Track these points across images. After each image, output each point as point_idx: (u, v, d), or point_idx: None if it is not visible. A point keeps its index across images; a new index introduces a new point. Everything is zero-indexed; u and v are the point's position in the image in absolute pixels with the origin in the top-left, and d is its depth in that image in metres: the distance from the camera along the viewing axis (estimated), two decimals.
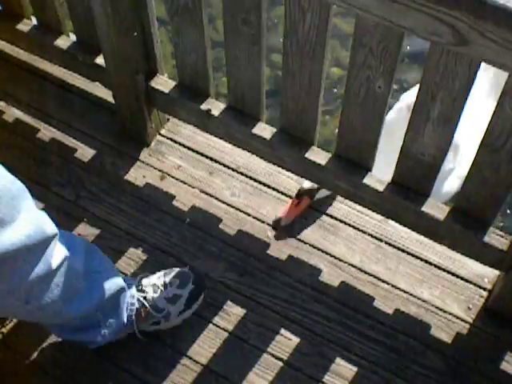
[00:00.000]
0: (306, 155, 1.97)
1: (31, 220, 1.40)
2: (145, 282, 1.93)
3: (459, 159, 2.15)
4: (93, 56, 2.24)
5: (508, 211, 2.90)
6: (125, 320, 1.86)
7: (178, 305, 1.93)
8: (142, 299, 1.88)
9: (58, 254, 1.52)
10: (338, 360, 1.94)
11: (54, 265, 1.51)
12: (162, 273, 1.97)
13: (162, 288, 1.92)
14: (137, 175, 2.30)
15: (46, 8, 2.25)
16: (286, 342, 1.97)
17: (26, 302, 1.51)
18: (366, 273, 2.08)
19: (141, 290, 1.90)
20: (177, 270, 1.97)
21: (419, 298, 2.04)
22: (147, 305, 1.88)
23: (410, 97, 2.05)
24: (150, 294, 1.90)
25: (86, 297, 1.72)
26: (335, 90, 3.27)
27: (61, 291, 1.58)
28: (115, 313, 1.84)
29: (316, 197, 2.15)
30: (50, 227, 1.49)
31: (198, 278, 1.98)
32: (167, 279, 1.94)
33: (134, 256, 2.11)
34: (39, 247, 1.44)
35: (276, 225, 2.16)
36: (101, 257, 1.81)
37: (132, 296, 1.88)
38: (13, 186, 1.36)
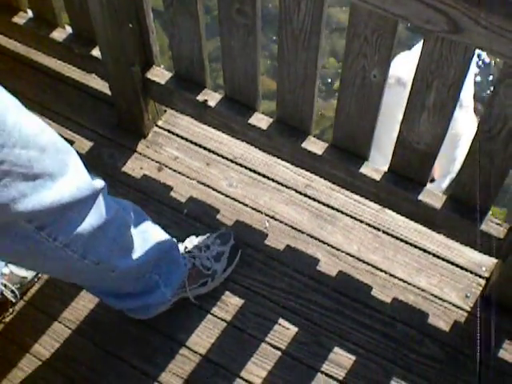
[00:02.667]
0: (303, 145, 1.97)
1: (80, 173, 1.42)
2: (188, 244, 1.98)
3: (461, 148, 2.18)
4: (89, 48, 2.24)
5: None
6: (185, 274, 1.90)
7: (222, 261, 1.99)
8: (192, 259, 1.93)
9: (108, 206, 1.54)
10: (336, 349, 1.94)
11: (107, 216, 1.53)
12: (201, 237, 2.03)
13: (206, 248, 1.98)
14: (134, 167, 2.30)
15: (41, 0, 2.25)
16: (284, 331, 1.97)
17: (83, 256, 1.52)
18: (363, 262, 2.09)
19: (188, 252, 1.95)
20: (216, 233, 2.04)
21: (417, 287, 2.04)
22: (197, 264, 1.93)
23: (394, 70, 2.03)
24: (197, 254, 1.95)
25: (141, 253, 1.73)
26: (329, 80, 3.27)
27: (116, 244, 1.61)
28: (173, 268, 1.88)
29: None
30: (98, 180, 1.51)
31: (235, 235, 2.05)
32: (209, 240, 2.00)
33: None
34: (90, 198, 1.45)
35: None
36: (146, 217, 1.83)
37: (184, 257, 1.92)
38: (57, 141, 1.38)
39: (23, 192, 1.27)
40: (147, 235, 1.77)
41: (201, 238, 2.02)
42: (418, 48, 2.73)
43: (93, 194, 1.46)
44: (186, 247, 1.97)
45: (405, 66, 2.34)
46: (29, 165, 1.27)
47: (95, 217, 1.49)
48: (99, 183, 1.51)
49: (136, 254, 1.71)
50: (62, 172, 1.35)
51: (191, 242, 2.00)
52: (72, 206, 1.40)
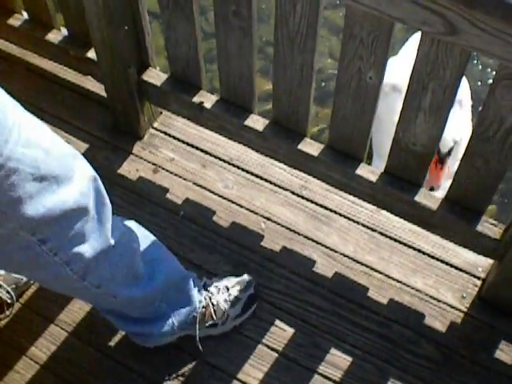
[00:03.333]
0: (299, 147, 1.97)
1: (86, 180, 1.39)
2: (208, 282, 1.93)
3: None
4: (84, 50, 2.24)
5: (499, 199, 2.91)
6: (196, 311, 1.84)
7: (237, 308, 1.93)
8: (208, 298, 1.88)
9: (114, 229, 1.51)
10: (333, 350, 1.94)
11: (112, 240, 1.50)
12: (223, 278, 1.97)
13: (224, 290, 1.92)
14: (130, 168, 2.30)
15: (36, 2, 2.25)
16: (280, 332, 1.97)
17: (83, 277, 1.49)
18: (359, 263, 2.09)
19: (207, 290, 1.90)
20: (238, 277, 1.98)
21: (413, 288, 2.05)
22: (211, 304, 1.88)
23: (388, 78, 2.04)
24: (214, 295, 1.90)
25: (147, 283, 1.69)
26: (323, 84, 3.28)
27: (119, 271, 1.57)
28: (183, 301, 1.83)
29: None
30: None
31: (256, 286, 1.99)
32: (229, 283, 1.95)
33: None
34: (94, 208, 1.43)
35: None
36: (158, 244, 1.79)
37: (200, 293, 1.87)
38: (62, 145, 1.36)
39: (29, 193, 1.26)
40: (156, 264, 1.73)
41: (222, 279, 1.97)
42: (404, 50, 2.75)
43: (98, 202, 1.44)
44: (205, 283, 1.92)
45: (396, 71, 2.34)
46: (35, 165, 1.25)
47: (98, 238, 1.45)
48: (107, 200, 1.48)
49: (141, 283, 1.67)
50: (67, 176, 1.33)
51: (211, 280, 1.95)
52: (75, 213, 1.37)
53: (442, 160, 2.23)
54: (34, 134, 1.29)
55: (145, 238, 1.72)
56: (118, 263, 1.56)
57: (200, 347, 1.88)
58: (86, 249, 1.44)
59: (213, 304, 1.89)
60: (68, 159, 1.36)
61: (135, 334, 1.89)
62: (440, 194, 2.02)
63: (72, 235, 1.40)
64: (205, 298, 1.88)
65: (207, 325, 1.89)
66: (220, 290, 1.92)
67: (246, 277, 1.99)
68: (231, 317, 1.93)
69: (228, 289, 1.93)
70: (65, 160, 1.35)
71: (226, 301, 1.91)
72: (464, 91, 2.49)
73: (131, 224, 1.70)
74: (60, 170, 1.32)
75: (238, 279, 1.97)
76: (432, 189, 2.20)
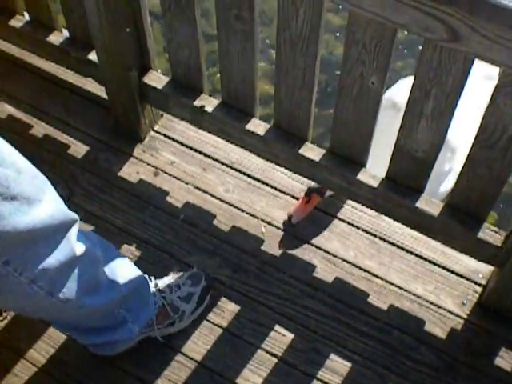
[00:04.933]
0: (300, 151, 1.96)
1: (55, 202, 1.41)
2: (159, 282, 1.94)
3: (457, 160, 2.14)
4: (85, 52, 2.24)
5: (501, 206, 2.90)
6: (154, 312, 1.87)
7: (192, 302, 1.95)
8: (162, 299, 1.90)
9: (79, 241, 1.52)
10: (332, 356, 1.94)
11: (77, 252, 1.50)
12: (172, 275, 1.99)
13: (176, 288, 1.94)
14: (130, 171, 2.29)
15: (38, 4, 2.24)
16: (280, 338, 1.97)
17: (50, 293, 1.49)
18: (360, 268, 2.08)
19: (159, 291, 1.91)
20: (187, 272, 2.00)
21: (413, 294, 2.04)
22: (166, 304, 1.90)
23: (393, 94, 2.04)
24: (167, 294, 1.92)
25: (109, 289, 1.71)
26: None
27: (84, 281, 1.57)
28: (142, 305, 1.85)
29: (326, 195, 2.12)
30: (72, 213, 1.49)
31: (208, 276, 2.00)
32: (180, 281, 1.96)
33: (127, 252, 2.10)
34: (62, 229, 1.44)
35: (286, 223, 2.15)
36: (117, 252, 1.82)
37: (155, 295, 1.89)
38: (33, 168, 1.37)
39: (0, 213, 1.26)
40: (117, 272, 1.75)
41: (172, 277, 1.98)
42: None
43: (66, 224, 1.45)
44: (156, 284, 1.92)
45: (405, 92, 2.31)
46: (6, 184, 1.26)
47: (64, 252, 1.46)
48: (73, 216, 1.49)
49: (105, 290, 1.69)
50: (38, 198, 1.34)
51: (163, 280, 1.96)
52: (43, 234, 1.37)
53: (309, 193, 2.14)
54: (8, 152, 1.29)
55: (105, 246, 1.74)
56: (84, 274, 1.57)
57: (161, 340, 1.93)
58: (51, 263, 1.44)
59: (168, 303, 1.90)
60: (39, 181, 1.37)
61: (99, 345, 1.89)
62: None
63: (37, 254, 1.40)
64: (159, 299, 1.89)
65: (165, 324, 1.91)
66: (172, 288, 1.93)
67: (195, 271, 2.00)
68: (187, 312, 1.94)
69: (180, 286, 1.95)
70: (36, 181, 1.36)
71: (179, 298, 1.93)
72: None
73: (92, 235, 1.72)
74: (31, 191, 1.32)
75: (187, 274, 1.98)
76: (290, 218, 2.14)
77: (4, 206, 1.26)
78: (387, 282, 2.06)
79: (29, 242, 1.36)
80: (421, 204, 1.87)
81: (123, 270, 1.78)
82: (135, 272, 1.84)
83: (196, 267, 2.03)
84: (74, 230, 1.50)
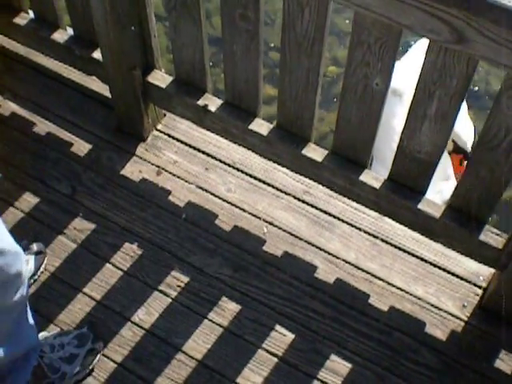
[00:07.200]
0: (303, 152, 1.97)
1: None
2: (41, 342, 1.87)
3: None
4: (90, 50, 2.24)
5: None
6: (29, 372, 1.80)
7: (75, 364, 1.87)
8: (39, 358, 1.83)
9: None
10: (333, 356, 1.94)
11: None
12: (59, 335, 1.92)
13: (60, 348, 1.87)
14: (133, 170, 2.29)
15: (43, 1, 2.25)
16: (280, 337, 1.97)
17: None
18: (361, 270, 2.09)
19: (40, 350, 1.85)
20: (75, 331, 1.92)
21: (414, 296, 2.04)
22: (43, 364, 1.82)
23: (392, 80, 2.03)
24: (48, 354, 1.85)
25: (12, 346, 1.69)
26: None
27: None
28: (21, 366, 1.79)
29: None
30: None
31: (94, 339, 1.93)
32: (65, 340, 1.89)
33: (129, 251, 2.11)
34: None
35: None
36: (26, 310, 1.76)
37: (34, 356, 1.83)
38: None
39: None
40: (19, 330, 1.71)
41: (58, 336, 1.90)
42: (408, 56, 2.72)
43: None
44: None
45: (399, 76, 2.31)
46: None
47: None
48: None
49: (8, 344, 1.67)
50: None
51: (45, 338, 1.89)
52: None
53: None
54: None
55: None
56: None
57: None
58: None
59: (45, 363, 1.83)
60: None
61: None
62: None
63: None
64: (36, 359, 1.83)
65: (45, 383, 1.84)
66: (55, 347, 1.87)
67: (84, 330, 1.93)
68: (69, 374, 1.86)
69: (63, 345, 1.88)
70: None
71: (60, 359, 1.86)
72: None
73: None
74: None
75: (73, 334, 1.91)
76: None
77: None
78: (388, 283, 2.06)
79: None
80: (423, 206, 1.87)
81: (25, 331, 1.74)
82: (34, 336, 1.79)
83: (195, 267, 2.02)
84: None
